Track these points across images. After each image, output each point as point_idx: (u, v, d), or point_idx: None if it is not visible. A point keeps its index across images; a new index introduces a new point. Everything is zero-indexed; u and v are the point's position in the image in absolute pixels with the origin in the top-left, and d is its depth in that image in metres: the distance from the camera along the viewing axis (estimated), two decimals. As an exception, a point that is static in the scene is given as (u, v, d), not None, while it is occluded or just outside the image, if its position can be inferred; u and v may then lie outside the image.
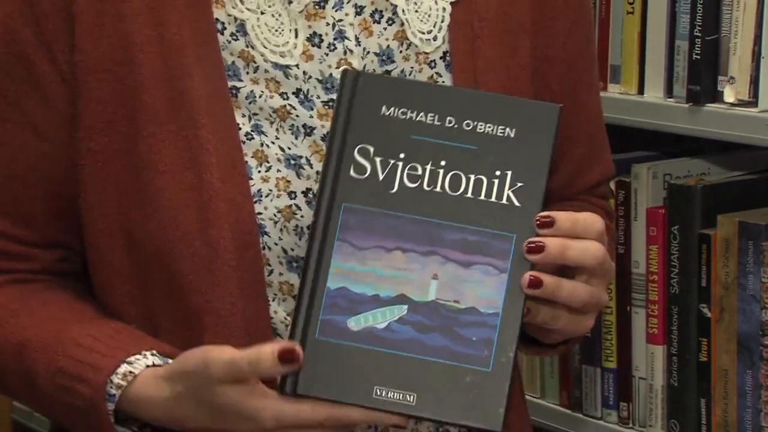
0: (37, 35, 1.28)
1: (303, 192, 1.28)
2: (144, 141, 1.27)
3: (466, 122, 1.21)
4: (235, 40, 1.29)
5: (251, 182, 1.27)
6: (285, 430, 1.19)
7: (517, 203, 1.20)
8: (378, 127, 1.22)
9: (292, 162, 1.29)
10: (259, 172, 1.28)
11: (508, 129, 1.21)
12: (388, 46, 1.32)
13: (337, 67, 1.30)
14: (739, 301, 1.72)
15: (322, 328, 1.18)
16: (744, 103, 1.69)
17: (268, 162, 1.28)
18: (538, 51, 1.37)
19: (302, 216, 1.28)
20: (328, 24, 1.30)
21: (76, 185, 1.30)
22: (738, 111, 1.69)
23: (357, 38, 1.31)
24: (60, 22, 1.27)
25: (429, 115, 1.22)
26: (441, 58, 1.34)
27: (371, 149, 1.21)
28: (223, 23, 1.29)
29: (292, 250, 1.28)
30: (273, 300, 1.28)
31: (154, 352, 1.25)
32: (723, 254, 1.74)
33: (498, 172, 1.20)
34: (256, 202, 1.27)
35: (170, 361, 1.25)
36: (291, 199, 1.28)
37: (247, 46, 1.29)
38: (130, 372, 1.24)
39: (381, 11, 1.32)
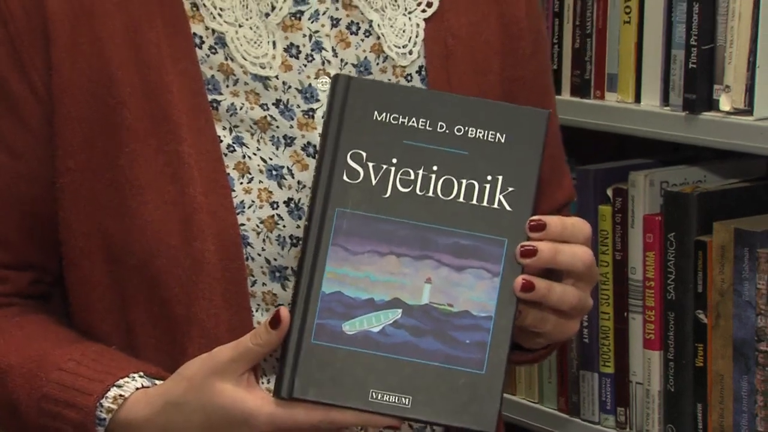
0: (11, 55, 1.27)
1: (285, 202, 1.27)
2: (125, 157, 1.26)
3: (457, 128, 1.21)
4: (214, 53, 1.28)
5: (233, 194, 1.26)
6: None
7: (508, 207, 1.19)
8: (370, 132, 1.21)
9: (274, 173, 1.27)
10: (241, 183, 1.27)
11: (498, 134, 1.21)
12: (365, 57, 1.32)
13: (316, 78, 1.30)
14: (734, 308, 1.72)
15: (318, 332, 1.17)
16: (739, 111, 1.69)
17: (249, 173, 1.27)
18: (506, 72, 1.38)
19: (284, 226, 1.26)
20: (305, 35, 1.30)
21: (52, 204, 1.29)
22: (733, 119, 1.69)
23: (334, 49, 1.31)
24: (35, 42, 1.27)
25: (421, 120, 1.21)
26: (417, 72, 1.34)
27: (364, 154, 1.20)
28: (201, 37, 1.29)
29: (275, 260, 1.26)
30: (257, 310, 1.27)
31: (142, 374, 1.25)
32: (719, 261, 1.73)
33: (489, 177, 1.20)
34: (238, 213, 1.26)
35: (157, 382, 1.24)
36: (273, 209, 1.27)
37: (226, 59, 1.29)
38: (120, 395, 1.23)
39: (357, 23, 1.32)
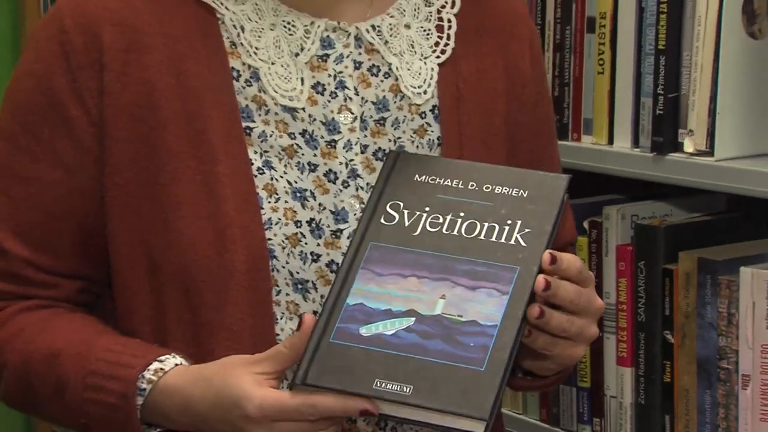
0: (70, 83, 1.28)
1: (307, 221, 1.28)
2: (166, 175, 1.27)
3: (485, 186, 1.24)
4: (249, 86, 1.30)
5: (262, 211, 1.27)
6: (268, 420, 1.17)
7: (523, 244, 1.20)
8: (410, 189, 1.24)
9: (298, 194, 1.29)
10: (269, 202, 1.28)
11: (521, 191, 1.23)
12: (384, 96, 1.33)
13: (339, 112, 1.31)
14: (698, 329, 1.71)
15: (337, 334, 1.18)
16: (702, 153, 1.69)
17: (277, 194, 1.28)
18: (510, 116, 1.38)
19: (306, 243, 1.28)
20: (330, 75, 1.32)
21: (101, 217, 1.29)
22: (696, 160, 1.68)
23: (356, 88, 1.32)
24: (92, 72, 1.28)
25: (454, 181, 1.24)
26: (431, 110, 1.35)
27: (401, 204, 1.24)
28: (238, 71, 1.30)
29: (298, 273, 1.28)
30: (281, 318, 1.28)
31: (182, 357, 1.25)
32: (684, 287, 1.73)
33: (509, 221, 1.22)
34: (266, 229, 1.27)
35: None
36: (297, 227, 1.28)
37: (259, 91, 1.30)
38: (161, 369, 1.24)
39: (378, 66, 1.34)
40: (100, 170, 1.29)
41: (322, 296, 1.26)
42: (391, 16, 1.35)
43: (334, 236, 1.29)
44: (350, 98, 1.32)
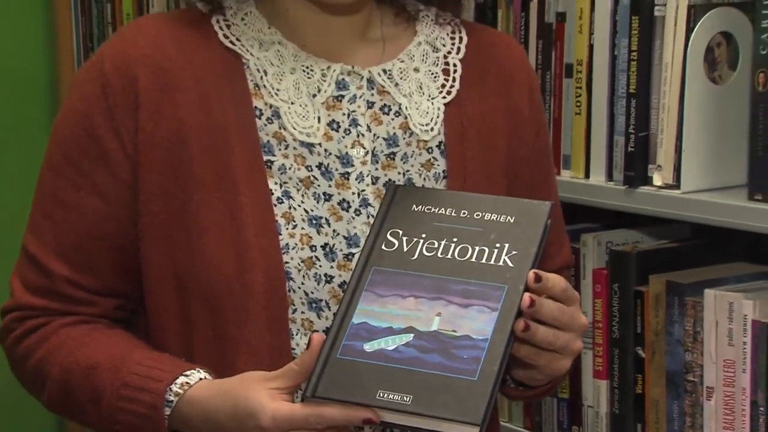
0: (108, 120, 1.30)
1: (322, 246, 1.30)
2: (193, 204, 1.28)
3: (476, 213, 1.25)
4: (270, 123, 1.32)
5: (280, 237, 1.29)
6: (280, 430, 1.17)
7: (510, 264, 1.22)
8: (408, 218, 1.26)
9: (314, 222, 1.30)
10: (287, 229, 1.30)
11: (508, 217, 1.25)
12: (394, 133, 1.35)
13: (352, 147, 1.33)
14: (667, 345, 1.72)
15: (344, 350, 1.20)
16: (669, 186, 1.69)
17: (294, 221, 1.30)
18: (511, 151, 1.39)
19: (321, 266, 1.30)
20: (344, 114, 1.34)
21: (135, 241, 1.31)
22: (664, 192, 1.69)
23: (368, 126, 1.34)
24: (128, 110, 1.30)
25: (448, 210, 1.26)
26: (437, 146, 1.36)
27: (400, 231, 1.26)
28: (260, 110, 1.32)
29: (312, 293, 1.30)
30: (296, 334, 1.29)
31: (206, 371, 1.27)
32: (654, 307, 1.74)
33: (498, 244, 1.23)
34: (284, 253, 1.29)
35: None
36: (312, 251, 1.30)
37: (280, 128, 1.32)
38: (187, 383, 1.25)
39: (389, 106, 1.35)
40: (135, 199, 1.30)
41: (335, 314, 1.26)
42: (401, 61, 1.37)
43: (346, 259, 1.31)
44: (363, 134, 1.33)
